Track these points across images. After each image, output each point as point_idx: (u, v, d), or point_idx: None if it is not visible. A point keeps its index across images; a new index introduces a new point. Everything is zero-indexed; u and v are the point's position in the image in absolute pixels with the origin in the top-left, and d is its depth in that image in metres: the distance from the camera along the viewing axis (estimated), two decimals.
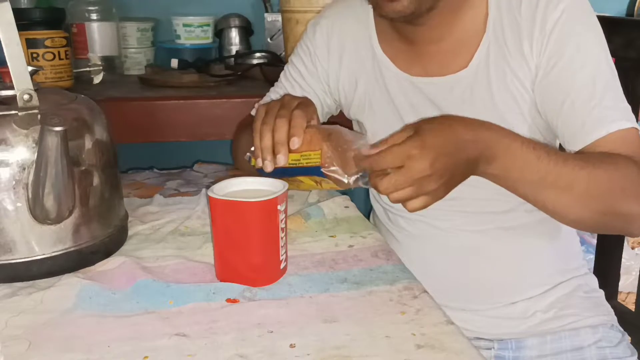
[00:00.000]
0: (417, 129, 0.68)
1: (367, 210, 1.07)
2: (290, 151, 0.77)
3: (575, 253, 0.99)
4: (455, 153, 0.68)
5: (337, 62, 0.99)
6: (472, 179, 0.75)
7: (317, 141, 0.78)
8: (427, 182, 0.67)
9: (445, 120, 0.71)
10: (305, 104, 0.84)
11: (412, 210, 0.69)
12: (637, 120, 1.02)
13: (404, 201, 0.68)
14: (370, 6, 0.93)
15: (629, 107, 0.80)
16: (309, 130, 0.79)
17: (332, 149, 0.77)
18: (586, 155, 0.77)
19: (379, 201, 1.02)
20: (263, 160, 0.79)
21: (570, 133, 0.80)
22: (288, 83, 1.04)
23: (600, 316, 0.93)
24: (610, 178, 0.74)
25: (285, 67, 1.06)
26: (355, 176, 0.76)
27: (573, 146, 0.80)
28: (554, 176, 0.73)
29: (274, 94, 1.05)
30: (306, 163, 0.79)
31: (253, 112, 1.08)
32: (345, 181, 0.77)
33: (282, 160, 0.78)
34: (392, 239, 1.00)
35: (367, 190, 1.06)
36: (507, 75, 0.83)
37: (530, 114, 0.84)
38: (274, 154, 0.78)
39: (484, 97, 0.85)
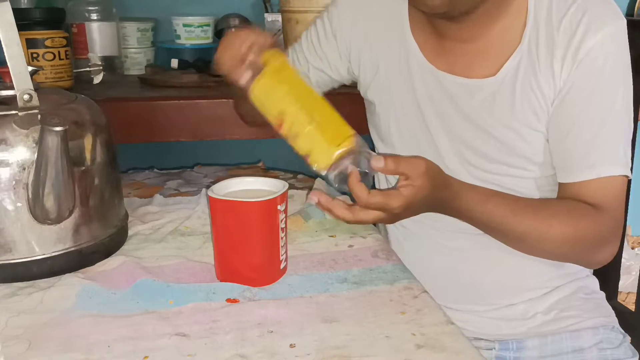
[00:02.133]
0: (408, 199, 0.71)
1: None
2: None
3: None
4: (427, 206, 0.75)
5: (362, 38, 0.96)
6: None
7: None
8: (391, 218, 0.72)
9: (431, 201, 0.74)
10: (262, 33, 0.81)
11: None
12: (637, 122, 1.03)
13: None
14: None
15: (629, 154, 0.81)
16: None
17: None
18: (543, 206, 0.82)
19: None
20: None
21: (565, 165, 0.82)
22: (306, 43, 1.03)
23: (601, 318, 0.93)
24: (563, 231, 0.79)
25: (310, 26, 1.04)
26: (336, 171, 0.70)
27: (563, 178, 0.82)
28: (504, 229, 0.80)
29: (291, 49, 1.05)
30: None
31: None
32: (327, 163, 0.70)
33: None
34: (394, 239, 1.00)
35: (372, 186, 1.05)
36: (533, 89, 0.82)
37: (547, 130, 0.84)
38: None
39: (504, 109, 0.84)
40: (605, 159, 0.79)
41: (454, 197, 0.76)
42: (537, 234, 0.79)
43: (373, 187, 1.05)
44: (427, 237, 0.95)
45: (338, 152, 0.69)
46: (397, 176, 0.72)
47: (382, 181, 1.02)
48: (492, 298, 0.93)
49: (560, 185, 0.83)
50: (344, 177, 0.70)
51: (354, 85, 1.02)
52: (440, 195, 0.74)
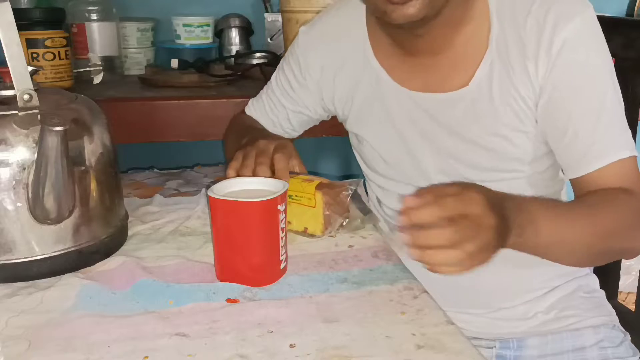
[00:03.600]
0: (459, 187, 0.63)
1: None
2: None
3: None
4: (499, 210, 0.63)
5: (331, 77, 0.96)
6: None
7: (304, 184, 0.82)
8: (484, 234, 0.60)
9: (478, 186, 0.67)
10: (282, 145, 0.84)
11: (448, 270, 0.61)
12: (637, 122, 1.03)
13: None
14: (363, 17, 0.90)
15: (630, 135, 0.80)
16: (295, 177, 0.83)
17: (324, 192, 0.80)
18: (590, 207, 0.76)
19: (380, 212, 1.01)
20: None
21: (571, 161, 0.80)
22: (278, 90, 1.03)
23: (601, 317, 0.93)
24: (615, 226, 0.75)
25: (277, 69, 1.05)
26: (345, 220, 0.82)
27: (573, 173, 0.80)
28: (566, 241, 0.73)
29: (266, 95, 1.05)
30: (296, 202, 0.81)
31: (247, 110, 1.09)
32: (341, 222, 0.82)
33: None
34: (393, 245, 0.99)
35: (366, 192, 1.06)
36: (510, 93, 0.81)
37: (533, 133, 0.83)
38: None
39: (486, 115, 0.83)
40: (610, 146, 0.78)
41: (518, 208, 0.68)
42: (592, 236, 0.74)
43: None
44: None
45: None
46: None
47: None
48: (492, 301, 0.93)
49: (574, 182, 0.81)
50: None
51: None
52: (502, 202, 0.65)
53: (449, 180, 0.87)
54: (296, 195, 0.81)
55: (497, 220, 0.61)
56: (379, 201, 1.00)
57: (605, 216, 0.75)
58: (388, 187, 0.96)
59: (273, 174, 0.79)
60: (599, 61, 0.78)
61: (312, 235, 0.82)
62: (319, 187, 0.80)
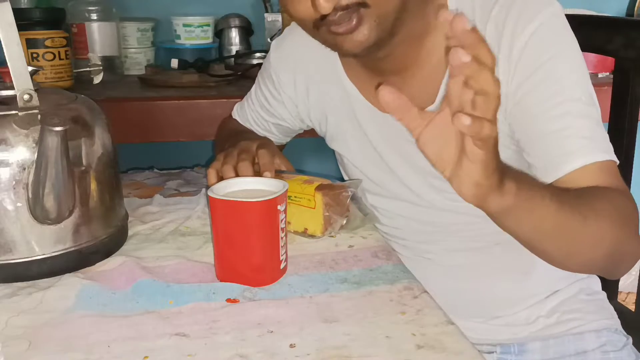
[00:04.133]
0: None
1: None
2: None
3: None
4: None
5: (304, 93, 0.95)
6: (455, 206, 0.76)
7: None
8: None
9: None
10: (264, 144, 0.84)
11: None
12: (638, 122, 1.03)
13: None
14: None
15: (607, 137, 0.74)
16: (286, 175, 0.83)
17: (324, 192, 0.80)
18: (583, 199, 0.68)
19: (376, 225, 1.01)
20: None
21: (545, 164, 0.74)
22: (257, 102, 1.04)
23: (604, 320, 0.92)
24: (612, 220, 0.68)
25: (256, 81, 1.05)
26: (346, 219, 0.82)
27: (546, 177, 0.73)
28: (562, 226, 0.65)
29: (247, 105, 1.06)
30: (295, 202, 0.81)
31: (233, 115, 1.09)
32: (341, 223, 0.81)
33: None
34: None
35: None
36: None
37: (509, 140, 0.79)
38: None
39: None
40: (585, 146, 0.71)
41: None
42: (594, 226, 0.66)
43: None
44: (422, 260, 0.93)
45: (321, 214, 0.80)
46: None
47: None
48: (493, 309, 0.92)
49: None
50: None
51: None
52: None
53: (434, 194, 0.87)
54: (295, 197, 0.81)
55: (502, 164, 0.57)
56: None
57: (600, 212, 0.67)
58: (374, 203, 0.95)
59: (256, 174, 0.79)
60: (564, 56, 0.74)
61: (312, 236, 0.82)
62: (319, 188, 0.81)
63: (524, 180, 0.61)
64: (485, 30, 0.75)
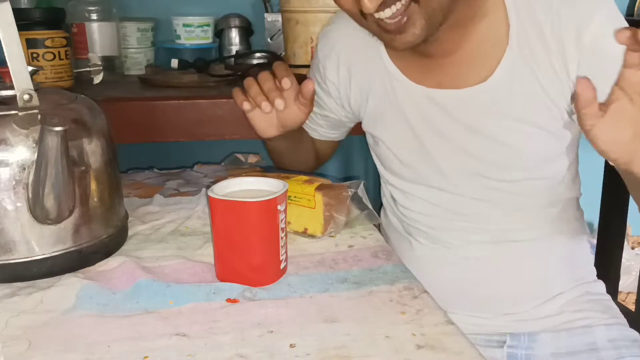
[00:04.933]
0: None
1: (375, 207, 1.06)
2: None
3: (585, 261, 0.98)
4: None
5: (346, 77, 0.96)
6: (488, 196, 0.79)
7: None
8: None
9: None
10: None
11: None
12: None
13: None
14: None
15: None
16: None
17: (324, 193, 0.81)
18: None
19: (395, 211, 1.01)
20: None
21: None
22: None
23: (612, 318, 0.92)
24: None
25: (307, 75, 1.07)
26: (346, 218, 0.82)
27: None
28: None
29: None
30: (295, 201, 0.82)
31: None
32: (342, 223, 0.82)
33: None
34: (406, 245, 0.99)
35: (379, 189, 1.05)
36: (536, 90, 0.79)
37: (556, 129, 0.81)
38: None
39: (506, 111, 0.81)
40: None
41: None
42: None
43: (381, 205, 1.06)
44: (438, 248, 0.94)
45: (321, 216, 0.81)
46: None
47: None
48: (502, 305, 0.92)
49: None
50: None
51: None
52: None
53: (467, 180, 0.87)
54: (295, 197, 0.81)
55: None
56: (394, 200, 0.99)
57: None
58: (403, 188, 0.96)
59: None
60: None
61: (312, 236, 0.82)
62: (319, 188, 0.81)
63: None
64: (547, 18, 0.76)
